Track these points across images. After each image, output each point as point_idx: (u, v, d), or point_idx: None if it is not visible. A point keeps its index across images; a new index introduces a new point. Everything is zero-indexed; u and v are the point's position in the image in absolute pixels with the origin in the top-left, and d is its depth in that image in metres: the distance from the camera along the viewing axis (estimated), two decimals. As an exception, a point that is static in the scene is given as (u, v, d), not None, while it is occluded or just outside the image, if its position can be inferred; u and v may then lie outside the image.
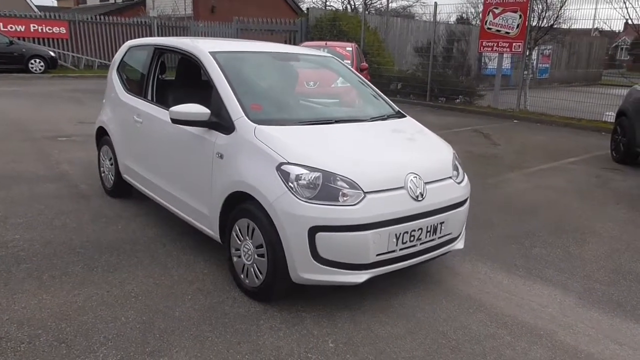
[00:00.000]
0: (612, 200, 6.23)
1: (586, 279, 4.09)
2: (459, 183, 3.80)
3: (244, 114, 3.58)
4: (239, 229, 3.49)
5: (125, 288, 3.55)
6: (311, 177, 3.17)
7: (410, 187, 3.37)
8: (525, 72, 13.63)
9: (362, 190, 3.19)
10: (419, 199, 3.39)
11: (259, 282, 3.40)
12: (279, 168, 3.23)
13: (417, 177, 3.45)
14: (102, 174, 5.61)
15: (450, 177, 3.75)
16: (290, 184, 3.16)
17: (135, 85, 4.99)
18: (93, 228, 4.61)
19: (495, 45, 13.15)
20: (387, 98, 4.64)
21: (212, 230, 3.79)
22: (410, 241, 3.39)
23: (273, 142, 3.37)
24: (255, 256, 3.38)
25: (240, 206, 3.47)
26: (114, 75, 5.32)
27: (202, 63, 4.01)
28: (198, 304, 3.41)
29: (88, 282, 3.61)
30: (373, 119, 4.15)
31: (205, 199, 3.78)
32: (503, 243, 4.66)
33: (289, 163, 3.23)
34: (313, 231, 3.11)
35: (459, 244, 3.87)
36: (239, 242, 3.51)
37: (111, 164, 5.34)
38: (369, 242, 3.17)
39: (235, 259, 3.60)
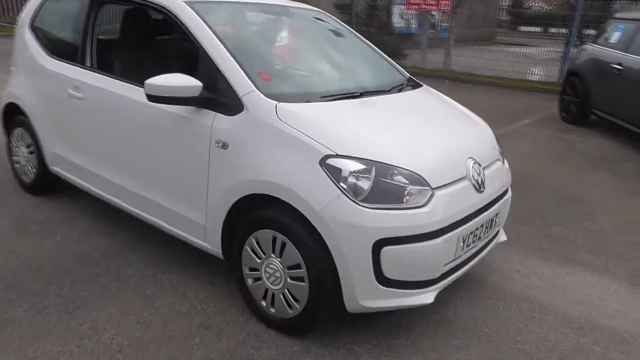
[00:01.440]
0: (588, 166, 6.03)
1: (622, 260, 3.72)
2: (504, 165, 3.18)
3: (254, 87, 2.62)
4: (258, 243, 2.61)
5: (102, 338, 2.54)
6: (370, 174, 2.35)
7: (472, 176, 2.68)
8: (432, 31, 13.40)
9: (430, 187, 2.44)
10: (481, 189, 2.72)
11: (294, 312, 2.56)
12: (324, 163, 2.37)
13: (476, 162, 2.76)
14: (16, 165, 4.29)
15: (498, 160, 3.11)
16: (342, 184, 2.32)
17: (65, 47, 3.73)
18: (23, 243, 3.42)
19: (422, 3, 12.70)
20: (392, 61, 3.85)
21: (209, 243, 2.85)
22: (473, 242, 2.73)
23: (308, 127, 2.48)
24: (288, 279, 2.53)
25: (260, 213, 2.58)
26: (26, 35, 3.97)
27: (175, 16, 2.93)
28: (213, 350, 2.50)
29: (43, 333, 2.54)
30: (394, 89, 3.36)
31: (199, 203, 2.81)
32: (517, 224, 4.16)
33: (337, 155, 2.37)
34: (378, 246, 2.32)
35: (503, 236, 3.27)
36: (258, 261, 2.63)
37: (31, 153, 4.06)
38: (440, 251, 2.45)
39: (250, 281, 2.72)
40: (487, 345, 2.68)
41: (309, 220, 2.37)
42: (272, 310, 2.65)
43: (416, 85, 3.60)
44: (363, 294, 2.38)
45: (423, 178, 2.42)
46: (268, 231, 2.54)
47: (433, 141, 2.75)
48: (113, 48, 3.64)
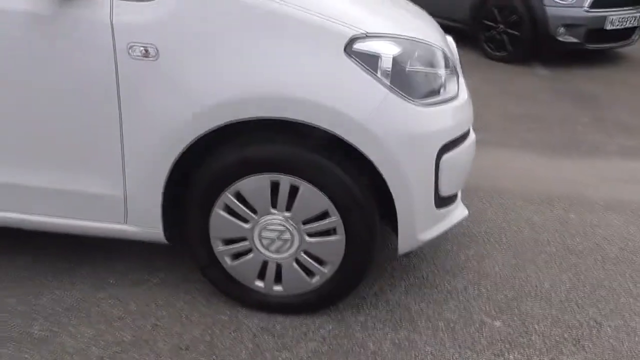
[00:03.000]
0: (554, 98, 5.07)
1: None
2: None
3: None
4: (242, 200, 1.67)
5: None
6: (413, 58, 1.63)
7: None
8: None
9: (455, 69, 1.85)
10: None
11: (318, 280, 1.76)
12: (351, 49, 1.54)
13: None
14: None
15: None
16: (383, 77, 1.56)
17: None
18: None
19: None
20: None
21: (137, 224, 1.75)
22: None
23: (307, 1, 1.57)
24: (306, 238, 1.69)
25: (239, 155, 1.63)
26: None
27: None
28: (230, 379, 1.57)
29: None
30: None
31: (108, 163, 1.66)
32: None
33: (367, 36, 1.56)
34: (439, 155, 1.68)
35: None
36: (245, 226, 1.70)
37: None
38: (473, 151, 1.94)
39: (228, 260, 1.78)
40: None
41: (342, 142, 1.56)
42: (279, 288, 1.80)
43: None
44: (422, 225, 1.73)
45: (450, 59, 1.81)
46: (262, 177, 1.63)
47: (428, 30, 2.09)
48: None
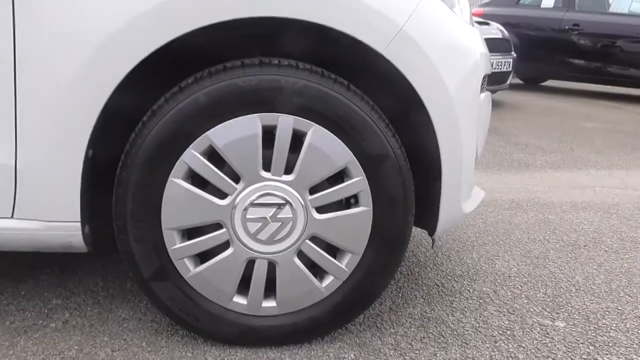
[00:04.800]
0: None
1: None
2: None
3: None
4: (217, 160, 1.07)
5: None
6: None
7: None
8: None
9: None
10: None
11: (331, 284, 1.16)
12: None
13: None
14: None
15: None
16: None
17: None
18: None
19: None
20: None
21: (27, 213, 1.04)
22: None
23: None
24: (315, 215, 1.12)
25: (213, 89, 1.04)
26: None
27: None
28: None
29: None
30: None
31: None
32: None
33: None
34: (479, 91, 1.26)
35: None
36: (222, 202, 1.08)
37: None
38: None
39: (190, 264, 1.12)
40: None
41: (373, 61, 1.08)
42: (270, 304, 1.16)
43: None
44: (466, 191, 1.26)
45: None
46: (249, 118, 1.05)
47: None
48: None
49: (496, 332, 1.32)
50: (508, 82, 5.96)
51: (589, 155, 3.72)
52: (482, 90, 1.30)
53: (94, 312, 1.30)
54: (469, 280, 1.62)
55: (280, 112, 1.06)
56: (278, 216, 1.10)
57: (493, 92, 6.03)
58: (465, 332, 1.31)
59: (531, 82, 8.00)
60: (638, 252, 1.93)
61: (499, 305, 1.46)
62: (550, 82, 7.95)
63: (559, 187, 2.87)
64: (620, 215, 2.38)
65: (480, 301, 1.48)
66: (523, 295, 1.53)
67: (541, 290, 1.57)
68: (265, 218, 1.10)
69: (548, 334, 1.33)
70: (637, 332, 1.36)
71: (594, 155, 3.75)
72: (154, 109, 1.06)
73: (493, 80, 5.71)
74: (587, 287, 1.60)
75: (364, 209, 1.13)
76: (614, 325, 1.39)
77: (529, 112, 5.72)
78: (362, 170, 1.11)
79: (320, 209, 1.13)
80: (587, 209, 2.45)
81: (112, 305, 1.33)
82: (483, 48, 1.32)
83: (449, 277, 1.62)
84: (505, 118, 5.25)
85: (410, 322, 1.35)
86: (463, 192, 1.23)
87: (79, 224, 1.07)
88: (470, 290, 1.55)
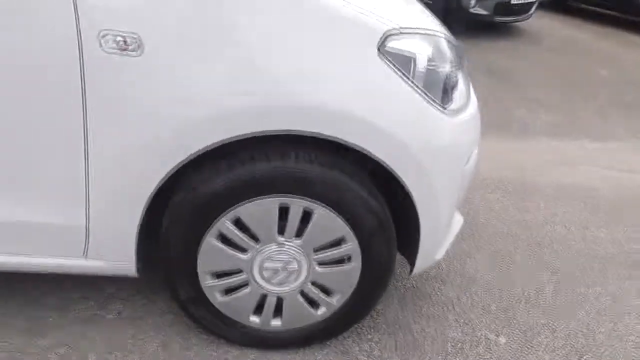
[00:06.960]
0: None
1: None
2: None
3: None
4: (241, 227, 1.36)
5: None
6: (444, 59, 1.40)
7: None
8: None
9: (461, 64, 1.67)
10: None
11: (324, 313, 1.53)
12: (384, 48, 1.26)
13: None
14: None
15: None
16: (418, 83, 1.32)
17: None
18: None
19: None
20: None
21: (102, 258, 1.37)
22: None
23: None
24: (316, 268, 1.44)
25: (242, 173, 1.30)
26: None
27: None
28: None
29: None
30: None
31: (67, 187, 1.25)
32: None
33: (401, 32, 1.29)
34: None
35: None
36: (243, 257, 1.40)
37: None
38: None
39: (218, 295, 1.47)
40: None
41: (368, 160, 1.32)
42: (277, 323, 1.53)
43: None
44: (439, 242, 1.57)
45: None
46: (270, 200, 1.32)
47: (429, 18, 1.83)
48: None
49: (449, 345, 1.70)
50: (531, 11, 5.85)
51: (590, 118, 3.88)
52: (467, 162, 1.54)
53: (141, 303, 1.68)
54: (440, 282, 1.97)
55: (295, 196, 1.33)
56: (287, 267, 1.43)
57: (515, 22, 5.95)
58: (425, 343, 1.69)
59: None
60: (588, 257, 2.25)
61: (458, 314, 1.83)
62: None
63: (549, 162, 3.11)
64: (594, 206, 2.65)
65: (444, 309, 1.85)
66: (480, 306, 1.89)
67: (496, 302, 1.92)
68: (278, 269, 1.43)
69: (490, 349, 1.71)
70: (561, 353, 1.74)
71: (595, 118, 3.90)
72: (199, 183, 1.33)
73: (516, 11, 5.63)
74: (535, 299, 1.96)
75: (354, 265, 1.45)
76: (545, 343, 1.76)
77: (545, 47, 5.69)
78: (355, 239, 1.41)
79: (322, 264, 1.45)
80: (567, 196, 2.72)
81: (155, 296, 1.71)
82: (475, 136, 1.54)
83: (424, 280, 1.98)
84: (518, 56, 5.26)
85: (384, 328, 1.73)
86: (437, 244, 1.54)
87: (134, 262, 1.40)
88: (439, 295, 1.91)
